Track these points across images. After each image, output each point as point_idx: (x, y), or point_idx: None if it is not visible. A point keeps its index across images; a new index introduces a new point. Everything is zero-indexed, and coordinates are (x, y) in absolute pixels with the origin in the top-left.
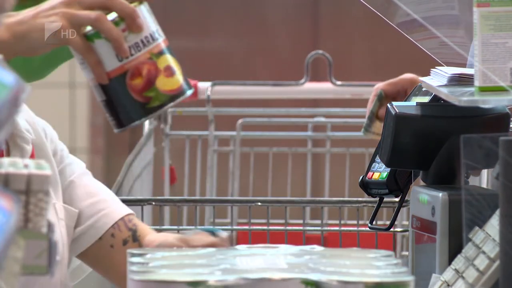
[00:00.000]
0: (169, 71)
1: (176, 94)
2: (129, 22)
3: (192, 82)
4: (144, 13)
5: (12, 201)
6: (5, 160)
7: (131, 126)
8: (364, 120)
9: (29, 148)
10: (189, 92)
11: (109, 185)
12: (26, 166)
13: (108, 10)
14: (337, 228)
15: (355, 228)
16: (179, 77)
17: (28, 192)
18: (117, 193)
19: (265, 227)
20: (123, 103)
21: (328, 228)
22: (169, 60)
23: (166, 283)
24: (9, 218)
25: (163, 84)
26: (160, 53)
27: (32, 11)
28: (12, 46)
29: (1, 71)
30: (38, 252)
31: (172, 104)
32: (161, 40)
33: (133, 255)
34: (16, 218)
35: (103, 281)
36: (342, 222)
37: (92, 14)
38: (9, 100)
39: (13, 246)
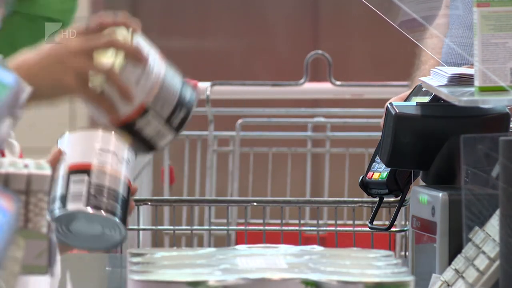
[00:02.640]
0: None
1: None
2: (134, 61)
3: (192, 82)
4: (142, 42)
5: (12, 201)
6: (5, 160)
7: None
8: (364, 120)
9: (17, 144)
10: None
11: None
12: (26, 166)
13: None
14: (333, 228)
15: (351, 228)
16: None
17: (28, 192)
18: None
19: (261, 227)
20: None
21: (324, 228)
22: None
23: (166, 283)
24: (9, 218)
25: None
26: None
27: (40, 61)
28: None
29: (1, 71)
30: (38, 252)
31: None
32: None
33: (133, 255)
34: (16, 218)
35: (102, 281)
36: (342, 222)
37: (102, 68)
38: (9, 100)
39: (13, 246)
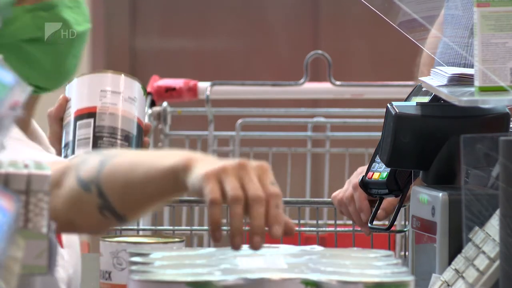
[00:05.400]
0: None
1: None
2: None
3: (192, 82)
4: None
5: (12, 201)
6: (5, 160)
7: None
8: (364, 120)
9: (44, 134)
10: None
11: None
12: (26, 166)
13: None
14: (332, 228)
15: (351, 229)
16: None
17: (28, 192)
18: None
19: None
20: None
21: (324, 228)
22: None
23: (166, 283)
24: (9, 218)
25: None
26: None
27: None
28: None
29: (1, 71)
30: (38, 252)
31: None
32: None
33: (133, 255)
34: (16, 218)
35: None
36: (342, 222)
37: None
38: (9, 100)
39: (13, 246)
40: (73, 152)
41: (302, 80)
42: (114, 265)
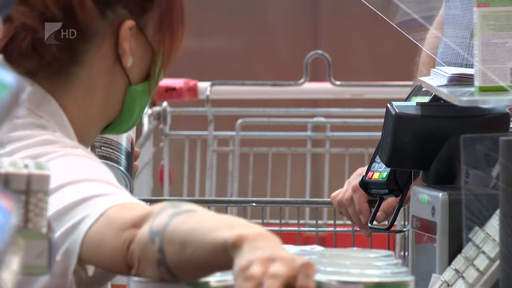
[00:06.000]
0: None
1: None
2: None
3: (192, 82)
4: None
5: (12, 201)
6: (5, 160)
7: None
8: (364, 120)
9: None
10: None
11: None
12: (26, 166)
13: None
14: (332, 229)
15: (350, 229)
16: None
17: (28, 192)
18: None
19: None
20: None
21: (323, 229)
22: None
23: (166, 283)
24: (9, 218)
25: None
26: None
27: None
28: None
29: (1, 71)
30: (38, 252)
31: None
32: None
33: None
34: (16, 218)
35: None
36: (341, 222)
37: None
38: (9, 100)
39: (13, 246)
40: None
41: (302, 80)
42: None
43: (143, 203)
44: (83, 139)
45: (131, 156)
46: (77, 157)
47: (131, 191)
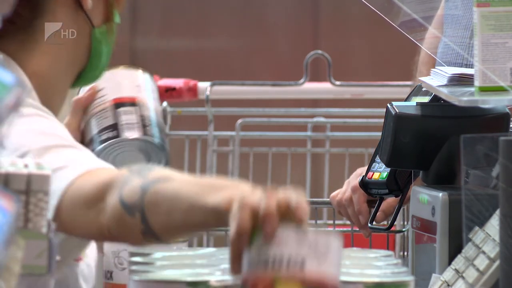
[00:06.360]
0: None
1: None
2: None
3: (192, 82)
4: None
5: (12, 201)
6: (5, 160)
7: None
8: (364, 120)
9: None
10: None
11: None
12: (26, 166)
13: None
14: (331, 229)
15: (349, 229)
16: None
17: (28, 192)
18: None
19: None
20: None
21: (322, 228)
22: None
23: (166, 283)
24: (9, 218)
25: None
26: None
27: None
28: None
29: (1, 71)
30: (38, 252)
31: None
32: None
33: (133, 255)
34: (16, 218)
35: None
36: (341, 222)
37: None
38: (9, 100)
39: (13, 246)
40: (100, 144)
41: (302, 80)
42: (115, 264)
43: (103, 164)
44: (56, 92)
45: (163, 128)
46: (30, 118)
47: (167, 163)
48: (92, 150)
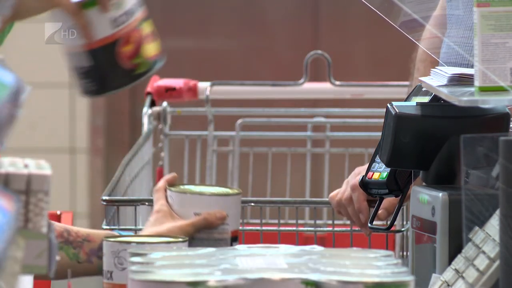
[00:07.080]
0: (151, 37)
1: (157, 60)
2: None
3: (192, 82)
4: None
5: (12, 201)
6: (5, 160)
7: (115, 92)
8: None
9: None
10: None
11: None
12: (26, 166)
13: None
14: (330, 228)
15: (348, 229)
16: (158, 42)
17: (28, 192)
18: (112, 193)
19: (258, 228)
20: (110, 70)
21: (321, 229)
22: (150, 26)
23: (166, 283)
24: (9, 218)
25: (147, 50)
26: (144, 20)
27: None
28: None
29: (1, 71)
30: (38, 252)
31: (154, 70)
32: (141, 7)
33: (133, 255)
34: (16, 218)
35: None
36: (341, 222)
37: None
38: (9, 100)
39: (13, 246)
40: None
41: (302, 80)
42: (115, 264)
43: None
44: None
45: None
46: None
47: None
48: None
